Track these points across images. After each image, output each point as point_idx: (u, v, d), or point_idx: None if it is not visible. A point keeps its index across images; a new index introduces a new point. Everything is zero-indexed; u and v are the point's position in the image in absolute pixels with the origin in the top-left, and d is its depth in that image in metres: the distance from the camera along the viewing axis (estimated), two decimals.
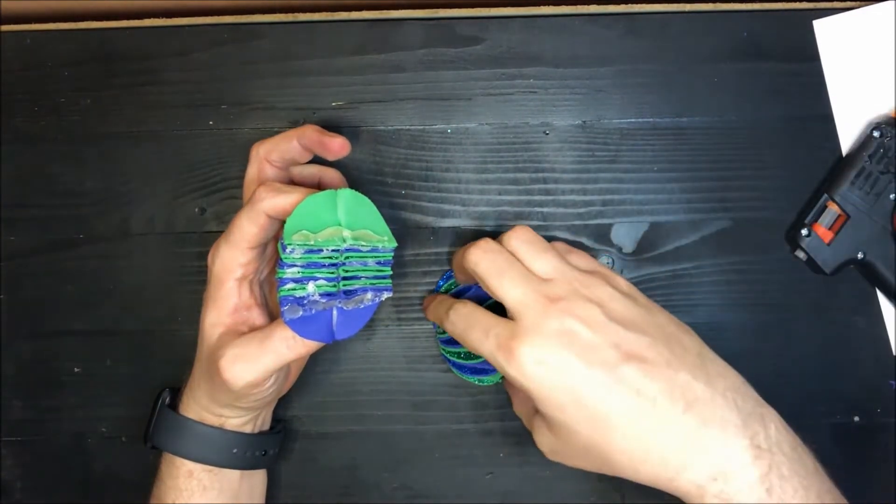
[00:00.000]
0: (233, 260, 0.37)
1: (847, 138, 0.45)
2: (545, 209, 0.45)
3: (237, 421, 0.40)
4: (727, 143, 0.45)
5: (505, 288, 0.36)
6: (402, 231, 0.45)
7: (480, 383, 0.44)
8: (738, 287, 0.45)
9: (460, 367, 0.44)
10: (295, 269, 0.36)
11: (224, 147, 0.46)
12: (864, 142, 0.44)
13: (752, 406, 0.34)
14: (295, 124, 0.46)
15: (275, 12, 0.46)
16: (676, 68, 0.45)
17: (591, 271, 0.37)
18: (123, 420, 0.45)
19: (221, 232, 0.45)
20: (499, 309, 0.36)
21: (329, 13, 0.46)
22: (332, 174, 0.43)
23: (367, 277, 0.37)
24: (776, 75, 0.45)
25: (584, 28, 0.45)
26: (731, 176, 0.45)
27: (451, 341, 0.43)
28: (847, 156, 0.45)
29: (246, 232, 0.36)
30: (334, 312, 0.37)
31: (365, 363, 0.46)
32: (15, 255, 0.46)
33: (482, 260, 0.37)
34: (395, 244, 0.38)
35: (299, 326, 0.36)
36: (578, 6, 0.46)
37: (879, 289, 0.45)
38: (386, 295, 0.38)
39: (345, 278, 0.37)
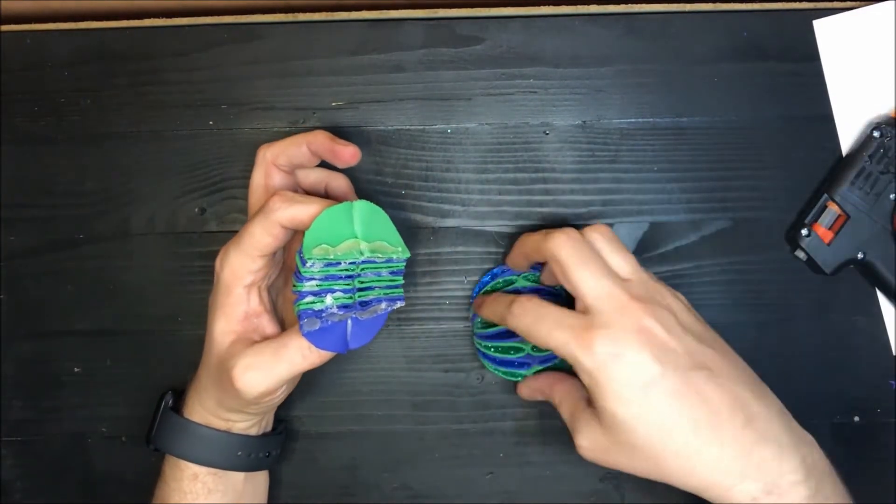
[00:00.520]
0: (242, 267, 0.37)
1: (847, 138, 0.45)
2: (545, 209, 0.45)
3: (243, 425, 0.40)
4: (727, 143, 0.45)
5: (586, 278, 0.36)
6: (402, 231, 0.45)
7: (513, 378, 0.44)
8: (738, 287, 0.45)
9: (494, 361, 0.44)
10: (313, 283, 0.36)
11: (224, 147, 0.46)
12: (864, 142, 0.44)
13: (798, 429, 0.36)
14: (295, 124, 0.46)
15: (275, 12, 0.46)
16: (676, 68, 0.45)
17: (657, 280, 0.38)
18: (123, 420, 0.45)
19: (222, 232, 0.46)
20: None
21: (329, 13, 0.46)
22: (340, 180, 0.42)
23: (380, 287, 0.38)
24: (776, 75, 0.45)
25: (584, 28, 0.45)
26: (731, 176, 0.45)
27: (492, 336, 0.43)
28: (847, 156, 0.45)
29: (258, 240, 0.36)
30: (349, 323, 0.37)
31: (365, 363, 0.46)
32: (15, 255, 0.46)
33: (565, 246, 0.37)
34: (409, 254, 0.38)
35: (315, 338, 0.36)
36: (578, 6, 0.46)
37: (879, 289, 0.45)
38: (399, 304, 0.39)
39: (360, 289, 0.37)
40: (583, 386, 0.37)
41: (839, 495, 0.35)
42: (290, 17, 0.46)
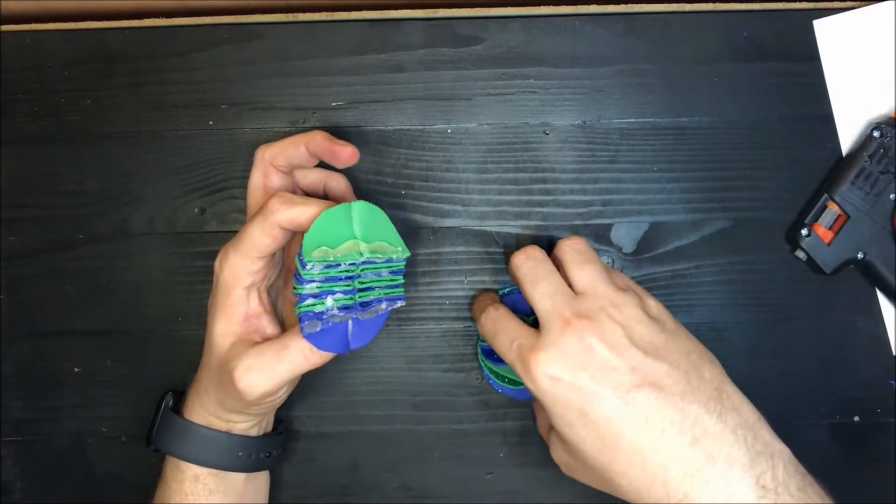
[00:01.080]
0: (242, 268, 0.37)
1: (847, 138, 0.45)
2: (545, 209, 0.45)
3: (244, 425, 0.40)
4: (727, 143, 0.45)
5: (537, 297, 0.37)
6: (402, 231, 0.45)
7: (517, 397, 0.44)
8: (738, 287, 0.45)
9: (489, 378, 0.44)
10: (313, 285, 0.36)
11: (224, 147, 0.46)
12: (864, 142, 0.44)
13: (762, 444, 0.34)
14: (295, 124, 0.46)
15: (275, 12, 0.46)
16: (676, 68, 0.45)
17: (624, 289, 0.37)
18: (123, 420, 0.45)
19: (222, 232, 0.46)
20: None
21: (329, 13, 0.46)
22: (338, 180, 0.42)
23: (381, 287, 0.38)
24: (776, 75, 0.45)
25: (584, 28, 0.45)
26: (731, 176, 0.45)
27: (489, 352, 0.44)
28: (847, 156, 0.45)
29: (257, 242, 0.36)
30: (350, 323, 0.37)
31: (365, 363, 0.46)
32: (15, 255, 0.46)
33: (523, 265, 0.38)
34: (409, 254, 0.38)
35: (316, 339, 0.36)
36: (578, 6, 0.46)
37: (879, 289, 0.45)
38: (399, 304, 0.39)
39: (360, 290, 0.37)
40: None
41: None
42: (290, 17, 0.46)
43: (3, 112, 0.46)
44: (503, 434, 0.45)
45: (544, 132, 0.46)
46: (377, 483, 0.45)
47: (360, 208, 0.36)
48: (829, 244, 0.43)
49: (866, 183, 0.43)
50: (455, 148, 0.46)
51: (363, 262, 0.37)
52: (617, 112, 0.45)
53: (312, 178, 0.42)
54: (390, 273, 0.38)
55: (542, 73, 0.45)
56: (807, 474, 0.34)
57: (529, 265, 0.38)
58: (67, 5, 0.47)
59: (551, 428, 0.37)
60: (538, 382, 0.34)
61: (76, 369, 0.46)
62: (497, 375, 0.43)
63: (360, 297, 0.37)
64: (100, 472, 0.46)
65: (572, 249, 0.38)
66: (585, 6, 0.46)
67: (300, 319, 0.36)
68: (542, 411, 0.41)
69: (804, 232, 0.44)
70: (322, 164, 0.41)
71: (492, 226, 0.45)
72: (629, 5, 0.46)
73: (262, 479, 0.43)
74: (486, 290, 0.45)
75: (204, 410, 0.39)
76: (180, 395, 0.42)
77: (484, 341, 0.44)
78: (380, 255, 0.37)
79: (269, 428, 0.43)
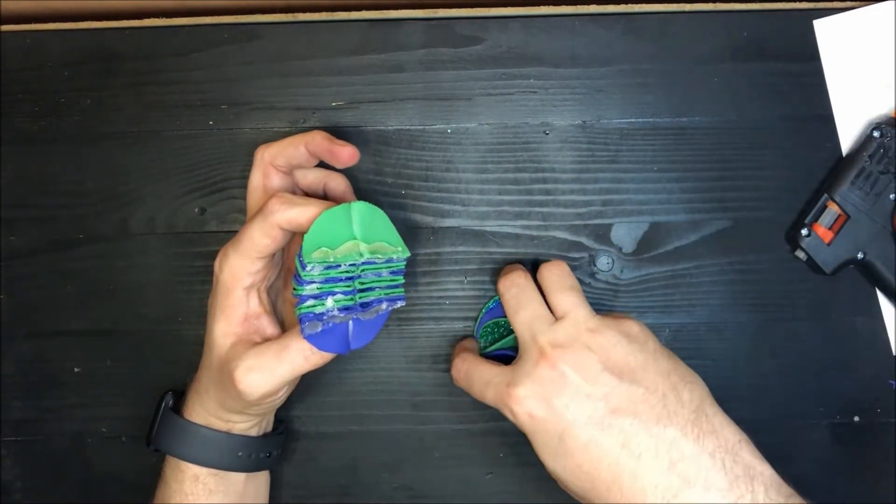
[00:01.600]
0: (241, 269, 0.37)
1: (847, 138, 0.45)
2: (545, 209, 0.45)
3: (244, 425, 0.40)
4: (727, 143, 0.45)
5: (517, 325, 0.39)
6: (402, 231, 0.45)
7: None
8: (738, 287, 0.45)
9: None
10: (314, 286, 0.36)
11: (224, 147, 0.46)
12: (864, 142, 0.44)
13: (742, 468, 0.33)
14: (295, 124, 0.46)
15: (275, 12, 0.46)
16: (676, 68, 0.45)
17: (605, 314, 0.38)
18: (123, 420, 0.45)
19: (222, 232, 0.46)
20: None
21: (329, 13, 0.46)
22: (338, 180, 0.42)
23: (381, 288, 0.38)
24: (776, 75, 0.45)
25: (583, 28, 0.45)
26: (731, 176, 0.45)
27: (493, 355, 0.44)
28: (847, 156, 0.45)
29: (257, 242, 0.36)
30: (350, 324, 0.37)
31: (365, 363, 0.46)
32: (15, 255, 0.46)
33: (506, 292, 0.40)
34: (409, 254, 0.38)
35: (317, 340, 0.36)
36: (578, 6, 0.46)
37: (879, 289, 0.45)
38: (399, 304, 0.39)
39: (360, 290, 0.37)
40: None
41: None
42: (290, 17, 0.46)
43: (3, 112, 0.46)
44: (503, 434, 0.45)
45: (544, 132, 0.46)
46: (377, 483, 0.45)
47: (359, 209, 0.36)
48: (829, 244, 0.43)
49: (866, 183, 0.43)
50: (455, 148, 0.46)
51: (363, 263, 0.37)
52: (617, 112, 0.45)
53: (312, 177, 0.42)
54: (390, 273, 0.38)
55: (542, 73, 0.45)
56: (793, 494, 0.34)
57: (512, 292, 0.39)
58: (67, 5, 0.47)
59: None
60: (518, 417, 0.36)
61: (76, 369, 0.46)
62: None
63: (360, 297, 0.37)
64: (100, 472, 0.46)
65: (554, 275, 0.39)
66: (585, 6, 0.46)
67: (300, 320, 0.36)
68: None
69: (804, 232, 0.44)
70: (322, 164, 0.41)
71: (492, 226, 0.45)
72: (629, 5, 0.46)
73: (262, 479, 0.43)
74: (461, 340, 0.45)
75: (204, 410, 0.39)
76: (180, 395, 0.42)
77: (485, 347, 0.44)
78: (380, 256, 0.37)
79: (269, 428, 0.43)
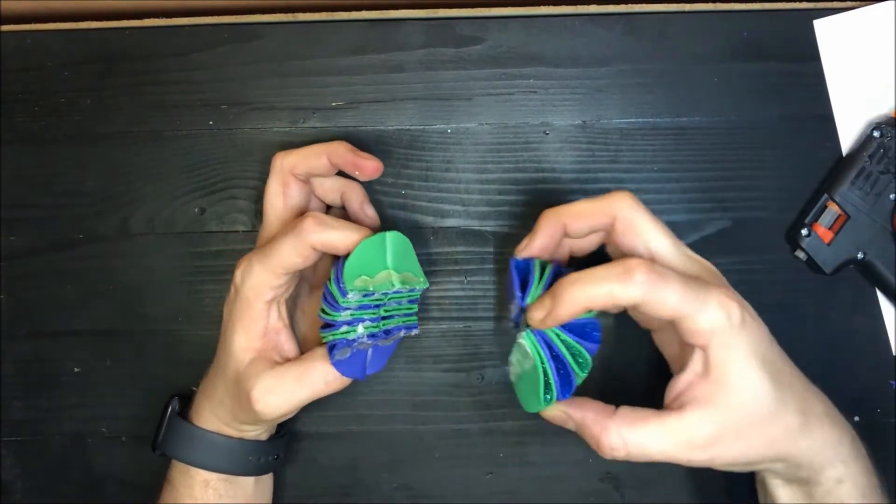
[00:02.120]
0: (265, 283, 0.37)
1: (847, 138, 0.45)
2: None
3: (255, 432, 0.40)
4: (727, 143, 0.45)
5: (667, 241, 0.34)
6: (402, 231, 0.45)
7: (541, 404, 0.36)
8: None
9: (559, 362, 0.36)
10: (348, 313, 0.37)
11: (224, 147, 0.46)
12: (865, 142, 0.44)
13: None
14: (295, 124, 0.46)
15: (275, 12, 0.46)
16: (676, 68, 0.45)
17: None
18: (123, 420, 0.45)
19: (222, 232, 0.46)
20: None
21: (329, 13, 0.46)
22: (356, 190, 0.42)
23: (399, 315, 0.39)
24: (776, 75, 0.45)
25: (583, 28, 0.45)
26: (731, 176, 0.45)
27: (574, 328, 0.36)
28: (847, 156, 0.45)
29: (286, 259, 0.36)
30: (370, 350, 0.38)
31: None
32: (15, 255, 0.46)
33: (638, 208, 0.35)
34: (428, 285, 0.39)
35: (341, 365, 0.37)
36: (578, 6, 0.46)
37: (879, 289, 0.45)
38: (414, 332, 0.40)
39: (383, 318, 0.38)
40: (636, 410, 0.34)
41: None
42: (290, 17, 0.46)
43: (3, 112, 0.46)
44: (503, 434, 0.45)
45: (544, 132, 0.46)
46: (377, 483, 0.45)
47: (392, 238, 0.37)
48: (829, 244, 0.43)
49: (866, 183, 0.43)
50: (455, 148, 0.46)
51: (393, 293, 0.37)
52: (617, 112, 0.45)
53: (328, 185, 0.42)
54: (409, 302, 0.40)
55: (542, 73, 0.45)
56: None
57: (643, 208, 0.35)
58: (67, 5, 0.47)
59: (688, 400, 0.33)
60: (731, 319, 0.32)
61: (76, 369, 0.46)
62: (575, 353, 0.36)
63: (383, 324, 0.38)
64: (100, 472, 0.46)
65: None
66: (585, 6, 0.46)
67: (333, 346, 0.37)
68: (620, 412, 0.34)
69: (804, 232, 0.44)
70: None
71: (492, 226, 0.45)
72: (629, 5, 0.46)
73: (267, 480, 0.43)
74: (512, 292, 0.37)
75: (216, 418, 0.39)
76: (185, 399, 0.42)
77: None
78: (407, 286, 0.38)
79: (274, 429, 0.43)
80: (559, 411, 0.36)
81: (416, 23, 0.46)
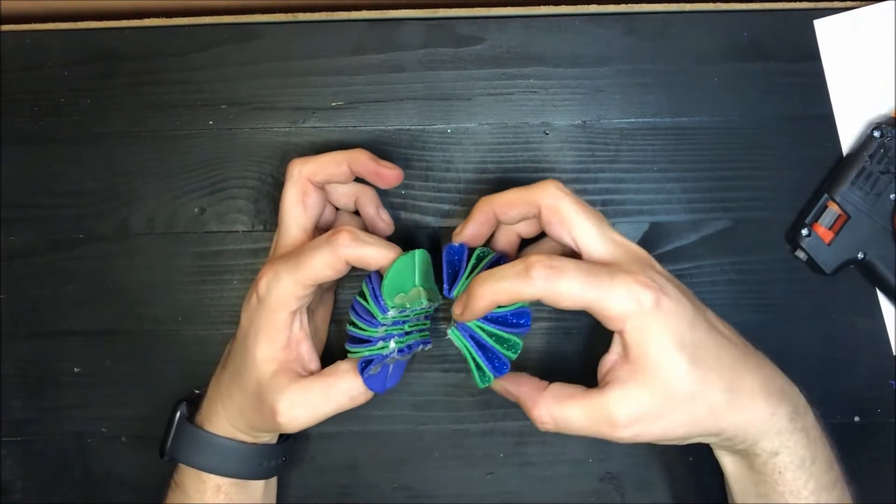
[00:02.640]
0: (291, 294, 0.36)
1: (847, 138, 0.45)
2: None
3: (268, 437, 0.41)
4: (727, 143, 0.45)
5: (592, 228, 0.35)
6: (403, 231, 0.45)
7: (483, 383, 0.38)
8: (738, 287, 0.45)
9: (483, 350, 0.38)
10: (383, 329, 0.37)
11: (224, 147, 0.46)
12: (865, 142, 0.44)
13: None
14: (295, 124, 0.46)
15: (275, 12, 0.46)
16: (676, 68, 0.45)
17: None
18: (123, 420, 0.45)
19: (222, 232, 0.46)
20: None
21: (329, 13, 0.46)
22: (370, 195, 0.42)
23: (417, 331, 0.39)
24: (776, 75, 0.45)
25: (583, 28, 0.45)
26: (731, 176, 0.45)
27: (495, 319, 0.37)
28: (847, 156, 0.45)
29: (318, 272, 0.36)
30: (391, 365, 0.39)
31: None
32: (15, 255, 0.46)
33: (565, 197, 0.35)
34: (441, 300, 0.39)
35: (371, 381, 0.37)
36: (578, 6, 0.46)
37: (879, 289, 0.45)
38: (428, 346, 0.41)
39: (407, 333, 0.39)
40: (565, 386, 0.35)
41: None
42: (290, 17, 0.46)
43: (3, 112, 0.46)
44: (503, 434, 0.45)
45: (544, 132, 0.46)
46: (377, 483, 0.45)
47: (420, 256, 0.37)
48: (829, 244, 0.43)
49: (867, 183, 0.43)
50: (455, 148, 0.46)
51: (419, 309, 0.38)
52: (617, 112, 0.45)
53: (342, 191, 0.41)
54: (425, 317, 0.40)
55: (542, 73, 0.45)
56: None
57: (570, 196, 0.35)
58: (67, 5, 0.47)
59: (610, 381, 0.34)
60: (645, 304, 0.32)
61: (76, 369, 0.46)
62: (498, 340, 0.38)
63: (407, 339, 0.39)
64: (100, 472, 0.46)
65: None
66: (585, 6, 0.46)
67: (369, 361, 0.37)
68: (564, 389, 0.35)
69: (804, 232, 0.44)
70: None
71: None
72: (629, 5, 0.46)
73: (273, 481, 0.43)
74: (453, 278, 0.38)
75: (230, 425, 0.39)
76: (193, 404, 0.42)
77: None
78: (430, 303, 0.38)
79: None
80: (500, 387, 0.38)
81: (416, 23, 0.46)
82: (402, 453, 0.45)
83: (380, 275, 0.37)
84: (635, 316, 0.33)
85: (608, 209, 0.45)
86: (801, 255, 0.44)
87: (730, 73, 0.45)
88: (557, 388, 0.36)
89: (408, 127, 0.46)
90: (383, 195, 0.45)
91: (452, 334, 0.37)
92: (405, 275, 0.37)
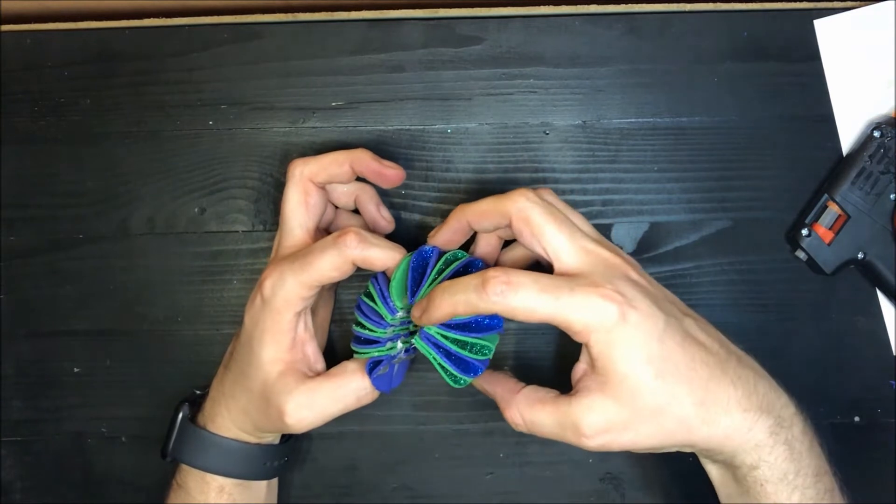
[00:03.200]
0: (297, 295, 0.36)
1: (847, 138, 0.45)
2: None
3: (272, 438, 0.41)
4: (727, 143, 0.45)
5: (563, 239, 0.34)
6: (403, 231, 0.45)
7: (457, 384, 0.37)
8: (738, 287, 0.45)
9: (447, 356, 0.37)
10: (391, 329, 0.38)
11: (224, 147, 0.46)
12: (865, 142, 0.44)
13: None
14: (295, 124, 0.46)
15: (275, 12, 0.46)
16: (676, 68, 0.45)
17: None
18: (123, 420, 0.45)
19: (221, 232, 0.46)
20: None
21: (329, 13, 0.46)
22: (369, 193, 0.42)
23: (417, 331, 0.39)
24: (776, 75, 0.45)
25: (584, 28, 0.45)
26: (731, 176, 0.45)
27: (459, 326, 0.36)
28: (847, 156, 0.45)
29: (324, 273, 0.36)
30: (397, 365, 0.39)
31: None
32: (15, 255, 0.46)
33: (535, 207, 0.35)
34: None
35: (378, 381, 0.38)
36: (578, 6, 0.46)
37: (879, 289, 0.45)
38: None
39: (411, 332, 0.39)
40: (538, 390, 0.36)
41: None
42: (290, 17, 0.46)
43: (3, 112, 0.46)
44: (503, 434, 0.45)
45: (544, 132, 0.46)
46: (377, 483, 0.45)
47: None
48: (829, 244, 0.43)
49: (867, 183, 0.43)
50: (455, 148, 0.46)
51: None
52: (617, 112, 0.45)
53: (342, 190, 0.41)
54: None
55: (542, 73, 0.45)
56: None
57: (542, 206, 0.35)
58: (67, 5, 0.47)
59: (572, 394, 0.34)
60: (609, 316, 0.32)
61: (76, 369, 0.46)
62: (464, 346, 0.37)
63: (412, 339, 0.38)
64: (100, 472, 0.46)
65: (555, 197, 0.37)
66: (585, 6, 0.46)
67: (378, 362, 0.37)
68: (536, 393, 0.36)
69: (804, 232, 0.44)
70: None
71: None
72: (629, 5, 0.46)
73: (275, 481, 0.43)
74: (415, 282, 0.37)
75: (235, 426, 0.39)
76: (195, 404, 0.42)
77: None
78: None
79: None
80: (479, 384, 0.39)
81: (416, 23, 0.46)
82: (402, 453, 0.45)
83: (385, 275, 0.37)
84: (599, 329, 0.32)
85: (608, 209, 0.45)
86: (801, 255, 0.44)
87: (730, 73, 0.45)
88: (531, 391, 0.36)
89: (408, 127, 0.46)
90: (383, 195, 0.45)
91: (416, 341, 0.37)
92: (405, 275, 0.37)
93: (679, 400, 0.33)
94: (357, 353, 0.38)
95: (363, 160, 0.39)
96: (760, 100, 0.45)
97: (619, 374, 0.32)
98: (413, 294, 0.37)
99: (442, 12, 0.46)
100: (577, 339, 0.33)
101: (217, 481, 0.39)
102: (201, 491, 0.39)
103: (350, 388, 0.37)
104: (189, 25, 0.46)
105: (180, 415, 0.41)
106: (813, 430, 0.35)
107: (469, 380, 0.37)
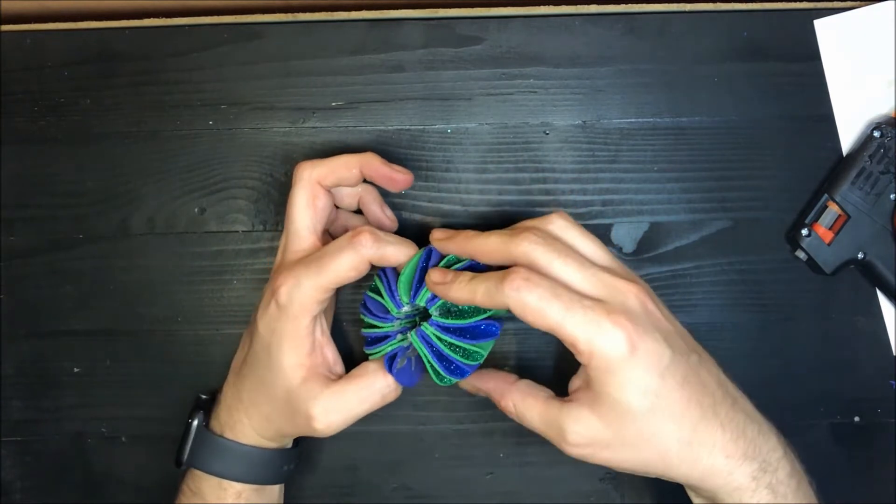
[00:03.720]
0: (313, 299, 0.36)
1: (847, 138, 0.45)
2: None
3: (286, 441, 0.41)
4: (727, 143, 0.45)
5: (572, 272, 0.34)
6: (403, 231, 0.45)
7: (442, 383, 0.38)
8: (738, 287, 0.45)
9: (439, 357, 0.38)
10: (398, 322, 0.38)
11: (224, 147, 0.46)
12: (865, 142, 0.44)
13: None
14: (295, 124, 0.46)
15: (275, 12, 0.46)
16: (676, 68, 0.45)
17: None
18: (123, 420, 0.45)
19: (221, 232, 0.45)
20: None
21: (329, 13, 0.46)
22: (373, 194, 0.42)
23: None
24: (776, 75, 0.45)
25: (584, 28, 0.45)
26: (731, 176, 0.45)
27: (455, 330, 0.37)
28: (847, 156, 0.45)
29: (342, 275, 0.36)
30: (413, 358, 0.39)
31: None
32: (15, 255, 0.46)
33: (538, 248, 0.34)
34: None
35: (400, 375, 0.38)
36: (578, 6, 0.46)
37: (879, 289, 0.45)
38: None
39: (413, 327, 0.39)
40: (533, 385, 0.37)
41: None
42: (290, 17, 0.46)
43: (3, 112, 0.46)
44: (503, 434, 0.45)
45: (544, 132, 0.46)
46: (377, 483, 0.45)
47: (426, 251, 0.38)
48: (829, 244, 0.43)
49: (867, 183, 0.43)
50: (455, 148, 0.46)
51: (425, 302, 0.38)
52: (617, 112, 0.45)
53: (346, 191, 0.42)
54: None
55: (542, 73, 0.45)
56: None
57: (547, 245, 0.34)
58: (67, 5, 0.47)
59: (567, 401, 0.35)
60: (618, 345, 0.32)
61: (76, 369, 0.46)
62: (457, 350, 0.38)
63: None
64: (100, 472, 0.46)
65: (568, 224, 0.36)
66: (585, 6, 0.46)
67: (394, 356, 0.37)
68: (533, 393, 0.36)
69: (804, 232, 0.44)
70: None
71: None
72: (629, 5, 0.46)
73: (283, 484, 0.43)
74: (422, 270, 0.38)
75: (256, 433, 0.39)
76: (207, 410, 0.41)
77: (441, 316, 0.38)
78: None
79: None
80: (469, 385, 0.40)
81: (416, 23, 0.46)
82: (402, 453, 0.45)
83: (395, 270, 0.38)
84: (602, 356, 0.32)
85: (608, 209, 0.45)
86: (801, 255, 0.44)
87: (730, 73, 0.45)
88: (526, 385, 0.37)
89: (408, 127, 0.46)
90: (382, 195, 0.45)
91: (411, 335, 0.37)
92: (413, 270, 0.37)
93: (664, 436, 0.33)
94: (371, 354, 0.39)
95: (372, 164, 0.39)
96: (760, 100, 0.45)
97: (611, 399, 0.33)
98: (416, 292, 0.37)
99: (442, 12, 0.46)
100: (580, 359, 0.33)
101: (234, 487, 0.39)
102: (218, 497, 0.39)
103: (375, 388, 0.37)
104: (189, 25, 0.46)
105: (195, 423, 0.40)
106: (802, 471, 0.35)
107: (454, 381, 0.38)
